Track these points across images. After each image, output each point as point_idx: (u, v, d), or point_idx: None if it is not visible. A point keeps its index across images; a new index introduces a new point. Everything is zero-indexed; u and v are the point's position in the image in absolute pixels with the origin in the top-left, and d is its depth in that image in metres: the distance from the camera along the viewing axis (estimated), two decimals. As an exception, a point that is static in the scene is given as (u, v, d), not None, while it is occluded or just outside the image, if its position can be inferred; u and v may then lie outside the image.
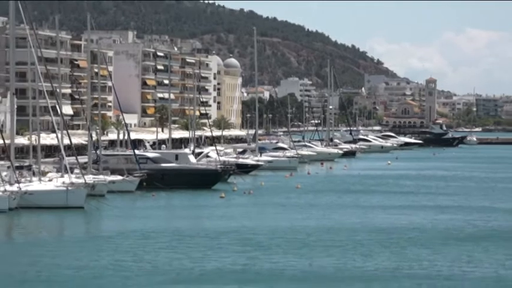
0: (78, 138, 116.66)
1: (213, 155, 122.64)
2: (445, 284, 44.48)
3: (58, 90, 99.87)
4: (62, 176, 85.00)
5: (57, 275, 46.18)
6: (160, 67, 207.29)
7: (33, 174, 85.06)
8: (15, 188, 75.73)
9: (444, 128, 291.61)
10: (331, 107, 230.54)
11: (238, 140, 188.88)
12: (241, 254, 53.11)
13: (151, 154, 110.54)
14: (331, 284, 44.73)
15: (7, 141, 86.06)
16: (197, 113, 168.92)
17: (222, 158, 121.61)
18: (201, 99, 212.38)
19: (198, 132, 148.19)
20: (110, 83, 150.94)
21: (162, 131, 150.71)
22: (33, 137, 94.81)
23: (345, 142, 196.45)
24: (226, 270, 48.03)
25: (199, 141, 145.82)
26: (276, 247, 55.97)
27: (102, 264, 49.17)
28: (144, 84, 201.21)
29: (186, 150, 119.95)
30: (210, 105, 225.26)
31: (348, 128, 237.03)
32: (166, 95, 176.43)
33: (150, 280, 44.58)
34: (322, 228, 65.17)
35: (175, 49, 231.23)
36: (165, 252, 53.63)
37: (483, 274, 47.20)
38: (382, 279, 45.64)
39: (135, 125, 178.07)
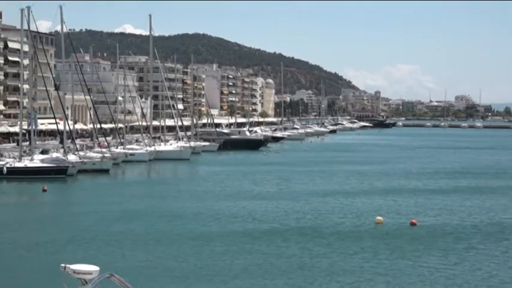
0: (186, 122, 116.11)
1: (259, 131, 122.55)
2: (388, 191, 45.18)
3: (175, 95, 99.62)
4: (177, 142, 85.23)
5: (177, 194, 46.37)
6: (230, 84, 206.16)
7: (161, 141, 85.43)
8: (152, 148, 76.25)
9: (384, 118, 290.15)
10: (323, 106, 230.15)
11: (272, 123, 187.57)
12: (277, 183, 53.27)
13: (225, 130, 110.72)
14: (330, 195, 45.08)
15: (148, 123, 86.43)
16: (250, 109, 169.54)
17: (264, 133, 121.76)
18: (252, 101, 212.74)
19: (251, 119, 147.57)
20: (203, 92, 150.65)
21: (231, 118, 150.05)
22: (162, 121, 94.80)
23: (331, 125, 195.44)
24: (270, 191, 48.10)
25: (251, 124, 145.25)
26: (296, 179, 56.17)
27: (201, 189, 49.32)
28: (221, 93, 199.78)
29: (244, 129, 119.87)
30: (257, 104, 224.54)
31: (332, 117, 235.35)
32: (233, 99, 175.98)
33: (228, 198, 44.41)
34: (320, 171, 64.78)
35: (239, 74, 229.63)
36: (235, 182, 53.60)
37: (407, 188, 47.36)
38: (354, 192, 46.75)
39: (216, 115, 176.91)
